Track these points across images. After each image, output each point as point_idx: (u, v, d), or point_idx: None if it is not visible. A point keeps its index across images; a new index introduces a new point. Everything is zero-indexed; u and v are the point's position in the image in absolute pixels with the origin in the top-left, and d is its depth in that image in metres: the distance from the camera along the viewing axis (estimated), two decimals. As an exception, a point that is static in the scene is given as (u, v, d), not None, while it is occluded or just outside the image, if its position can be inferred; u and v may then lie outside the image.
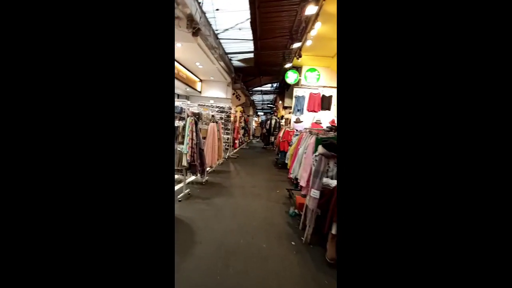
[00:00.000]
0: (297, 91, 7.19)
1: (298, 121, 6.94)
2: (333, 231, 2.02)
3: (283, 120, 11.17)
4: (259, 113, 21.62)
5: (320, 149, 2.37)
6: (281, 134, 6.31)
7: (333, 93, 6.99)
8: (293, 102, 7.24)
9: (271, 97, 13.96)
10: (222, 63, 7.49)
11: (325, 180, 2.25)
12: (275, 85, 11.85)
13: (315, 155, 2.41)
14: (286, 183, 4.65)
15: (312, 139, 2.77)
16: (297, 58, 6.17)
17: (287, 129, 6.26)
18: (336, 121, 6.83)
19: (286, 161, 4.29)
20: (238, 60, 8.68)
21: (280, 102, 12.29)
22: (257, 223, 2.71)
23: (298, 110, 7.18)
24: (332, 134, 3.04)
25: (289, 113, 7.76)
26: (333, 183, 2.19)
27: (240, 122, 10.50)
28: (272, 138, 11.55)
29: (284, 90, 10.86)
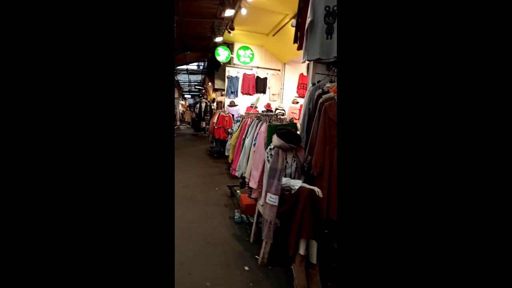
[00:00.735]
0: (229, 71, 6.43)
1: (232, 104, 6.27)
2: (302, 251, 1.54)
3: (215, 104, 10.25)
4: (186, 96, 19.54)
5: (276, 140, 1.81)
6: (215, 119, 5.50)
7: (267, 75, 6.61)
8: (225, 84, 6.47)
9: (199, 78, 12.51)
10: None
11: (284, 180, 1.72)
12: (202, 65, 10.60)
13: (270, 148, 1.84)
14: (225, 177, 4.01)
15: (263, 127, 2.17)
16: (229, 32, 5.34)
17: (222, 113, 5.51)
18: (270, 105, 6.56)
19: (226, 153, 3.60)
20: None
21: (210, 83, 11.18)
22: (194, 245, 1.98)
23: (232, 92, 6.48)
24: (286, 119, 2.64)
25: (222, 95, 6.98)
26: (296, 184, 1.68)
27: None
28: (204, 124, 10.54)
29: (214, 70, 9.84)
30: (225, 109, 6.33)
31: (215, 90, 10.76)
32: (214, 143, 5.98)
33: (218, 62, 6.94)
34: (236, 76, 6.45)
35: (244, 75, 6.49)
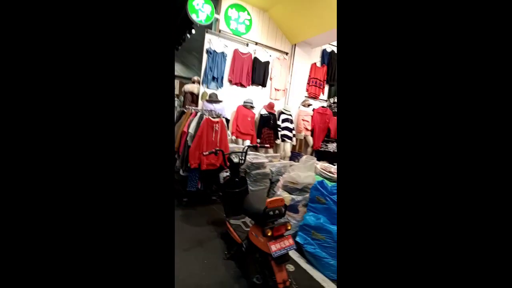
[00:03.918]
0: (211, 41, 3.77)
1: (213, 99, 3.64)
2: None
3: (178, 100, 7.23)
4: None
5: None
6: (190, 127, 2.72)
7: (270, 58, 4.22)
8: (204, 61, 3.77)
9: None
10: None
11: None
12: None
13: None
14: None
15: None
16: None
17: (208, 116, 2.79)
18: (274, 105, 4.20)
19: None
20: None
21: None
22: None
23: (213, 78, 3.82)
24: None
25: (193, 82, 4.20)
26: None
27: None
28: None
29: (180, 41, 6.84)
30: (202, 106, 3.65)
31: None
32: (189, 183, 2.69)
33: (187, 25, 4.18)
34: (222, 52, 3.84)
35: (236, 52, 3.94)
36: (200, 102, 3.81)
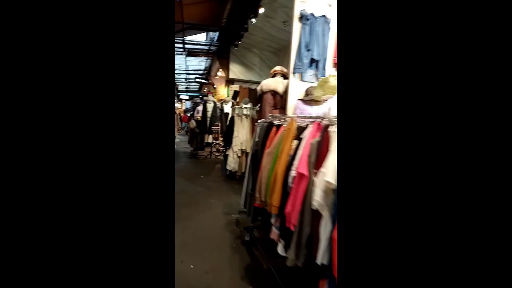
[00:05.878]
0: (305, 2, 2.25)
1: (309, 95, 2.06)
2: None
3: (229, 106, 6.08)
4: (182, 97, 15.04)
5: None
6: (270, 145, 1.17)
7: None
8: (295, 36, 2.28)
9: (202, 64, 8.12)
10: None
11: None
12: (211, 40, 6.33)
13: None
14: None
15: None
16: None
17: (293, 123, 1.20)
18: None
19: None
20: None
21: (221, 72, 6.96)
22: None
23: (312, 62, 2.27)
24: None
25: (274, 75, 2.78)
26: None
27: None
28: (210, 138, 6.30)
29: (229, 46, 5.68)
30: (295, 110, 2.14)
31: (230, 81, 6.60)
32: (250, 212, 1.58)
33: (249, 7, 2.83)
34: (323, 17, 2.27)
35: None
36: (289, 103, 2.31)
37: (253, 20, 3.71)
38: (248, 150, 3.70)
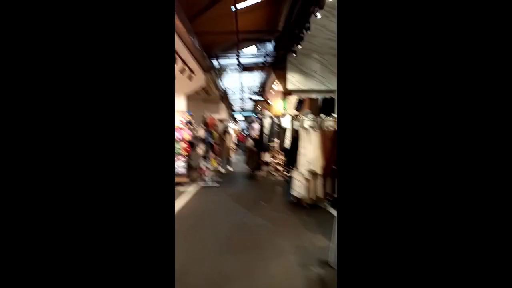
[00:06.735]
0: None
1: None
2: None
3: (286, 119, 5.45)
4: (237, 117, 15.36)
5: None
6: None
7: None
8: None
9: (257, 80, 7.91)
10: None
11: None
12: (268, 53, 5.99)
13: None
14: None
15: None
16: None
17: None
18: None
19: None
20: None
21: (276, 85, 6.52)
22: None
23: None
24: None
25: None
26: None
27: (193, 129, 4.59)
28: (267, 156, 5.76)
29: (285, 55, 5.19)
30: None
31: (287, 93, 6.07)
32: None
33: (302, 26, 2.21)
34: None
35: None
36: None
37: (318, 14, 3.11)
38: (318, 171, 2.92)
